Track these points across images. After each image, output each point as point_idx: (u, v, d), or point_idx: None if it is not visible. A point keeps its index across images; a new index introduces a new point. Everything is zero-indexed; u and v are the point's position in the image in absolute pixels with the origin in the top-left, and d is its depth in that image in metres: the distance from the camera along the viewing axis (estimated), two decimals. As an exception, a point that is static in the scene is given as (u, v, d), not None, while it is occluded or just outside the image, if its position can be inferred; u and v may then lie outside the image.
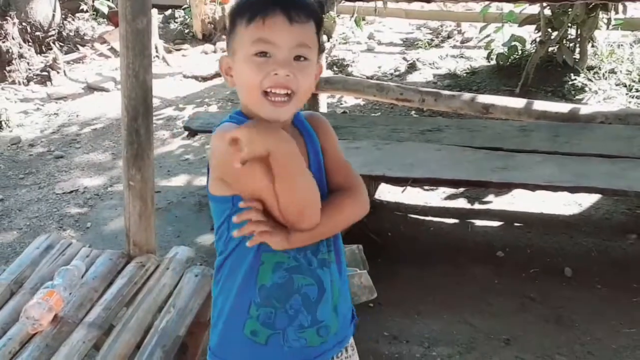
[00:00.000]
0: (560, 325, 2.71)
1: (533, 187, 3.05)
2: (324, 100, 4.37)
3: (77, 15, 7.59)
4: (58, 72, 6.30)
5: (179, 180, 4.21)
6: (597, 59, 5.33)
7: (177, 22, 7.55)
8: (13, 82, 6.10)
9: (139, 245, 2.37)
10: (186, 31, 7.37)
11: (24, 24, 6.55)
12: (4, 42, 6.18)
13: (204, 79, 6.13)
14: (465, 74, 5.64)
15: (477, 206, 3.70)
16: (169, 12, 7.73)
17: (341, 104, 5.30)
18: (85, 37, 7.24)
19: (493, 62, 5.64)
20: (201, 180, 4.14)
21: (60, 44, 6.84)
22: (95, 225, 3.71)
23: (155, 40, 6.41)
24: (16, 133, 5.11)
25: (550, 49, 5.26)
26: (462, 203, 3.74)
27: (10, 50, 6.18)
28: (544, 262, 3.13)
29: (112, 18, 7.37)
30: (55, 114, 5.49)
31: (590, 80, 5.08)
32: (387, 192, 3.77)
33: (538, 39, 5.26)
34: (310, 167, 1.29)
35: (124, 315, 2.08)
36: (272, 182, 1.20)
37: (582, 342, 2.60)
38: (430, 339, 2.65)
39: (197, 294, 2.16)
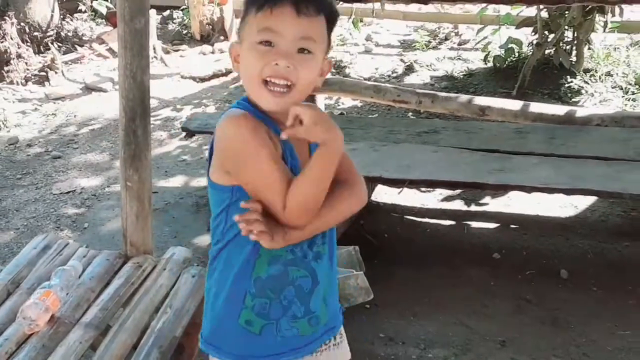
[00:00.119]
0: (556, 327, 2.72)
1: (529, 189, 3.08)
2: (322, 101, 4.38)
3: (76, 15, 7.58)
4: (56, 73, 6.28)
5: (177, 181, 4.20)
6: (594, 62, 5.34)
7: (175, 23, 7.54)
8: (11, 82, 6.08)
9: (136, 246, 2.37)
10: (184, 32, 7.36)
11: (22, 24, 6.54)
12: (2, 42, 6.16)
13: (202, 79, 6.11)
14: (462, 76, 5.64)
15: (473, 208, 3.70)
16: (167, 12, 7.71)
17: (338, 105, 5.30)
18: (84, 38, 7.22)
19: (490, 64, 5.64)
20: (199, 181, 4.14)
21: (59, 44, 6.83)
22: (92, 225, 3.71)
23: (154, 41, 6.39)
24: (14, 133, 5.10)
25: (546, 51, 5.27)
26: (458, 205, 3.74)
27: (9, 50, 6.16)
28: (539, 264, 3.14)
29: (110, 18, 7.36)
30: (53, 114, 5.48)
31: (586, 82, 5.09)
32: (383, 194, 3.78)
33: (535, 42, 5.27)
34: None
35: (120, 316, 2.08)
36: (277, 170, 1.21)
37: (577, 344, 2.61)
38: (426, 341, 2.66)
39: (194, 294, 2.16)
